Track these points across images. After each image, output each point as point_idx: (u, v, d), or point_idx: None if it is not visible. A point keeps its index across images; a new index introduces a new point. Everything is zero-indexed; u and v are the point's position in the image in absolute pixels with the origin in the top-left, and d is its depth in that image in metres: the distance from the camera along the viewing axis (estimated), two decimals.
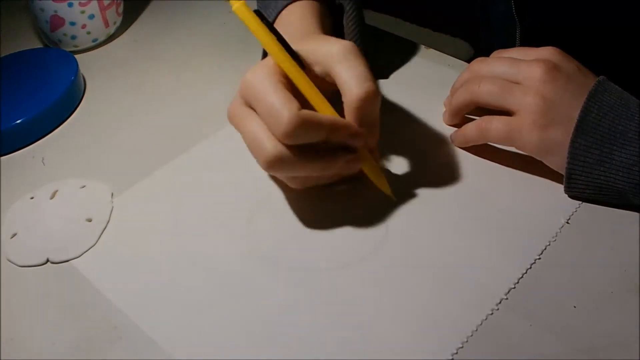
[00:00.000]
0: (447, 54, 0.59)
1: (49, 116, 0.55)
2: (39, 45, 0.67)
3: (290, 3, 0.50)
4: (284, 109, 0.37)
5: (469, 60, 0.58)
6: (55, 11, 0.61)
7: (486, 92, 0.44)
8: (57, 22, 0.62)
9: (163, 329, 0.39)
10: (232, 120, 0.42)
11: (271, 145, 0.38)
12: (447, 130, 0.50)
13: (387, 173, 0.47)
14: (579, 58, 0.45)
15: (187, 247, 0.43)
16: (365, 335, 0.37)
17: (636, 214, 0.42)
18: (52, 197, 0.48)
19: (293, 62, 0.40)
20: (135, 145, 0.53)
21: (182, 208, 0.46)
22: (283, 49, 0.40)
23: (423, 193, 0.45)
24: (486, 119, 0.45)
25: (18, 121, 0.53)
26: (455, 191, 0.45)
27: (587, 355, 0.35)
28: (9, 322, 0.40)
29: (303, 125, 0.37)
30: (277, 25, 0.48)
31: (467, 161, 0.47)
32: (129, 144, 0.53)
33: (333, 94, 0.41)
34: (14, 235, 0.45)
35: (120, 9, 0.67)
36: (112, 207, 0.47)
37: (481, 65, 0.47)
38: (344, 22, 0.52)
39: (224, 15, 0.69)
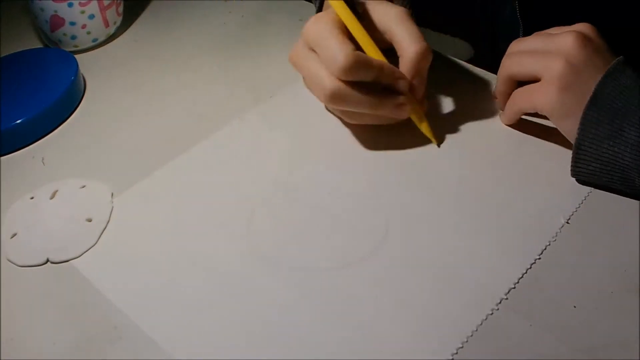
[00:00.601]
0: (447, 54, 0.58)
1: (49, 116, 0.55)
2: (39, 45, 0.67)
3: None
4: (341, 49, 0.43)
5: (469, 61, 0.58)
6: (55, 11, 0.61)
7: (516, 64, 0.46)
8: (57, 22, 0.62)
9: (163, 329, 0.39)
10: (294, 60, 0.48)
11: (330, 81, 0.44)
12: (448, 130, 0.50)
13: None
14: None
15: (187, 247, 0.43)
16: (365, 335, 0.37)
17: (636, 214, 0.42)
18: (52, 197, 0.48)
19: (353, 16, 0.45)
20: (135, 145, 0.53)
21: (182, 208, 0.46)
22: (345, 4, 0.46)
23: (420, 193, 0.45)
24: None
25: (18, 121, 0.53)
26: (455, 191, 0.45)
27: (587, 355, 0.35)
28: (9, 322, 0.40)
29: (357, 63, 0.43)
30: None
31: (467, 161, 0.47)
32: (129, 144, 0.53)
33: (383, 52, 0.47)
34: (14, 235, 0.45)
35: (120, 9, 0.67)
36: (112, 207, 0.47)
37: (519, 44, 0.48)
38: None
39: (224, 15, 0.69)
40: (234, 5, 0.71)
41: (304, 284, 0.40)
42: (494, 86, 0.51)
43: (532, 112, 0.46)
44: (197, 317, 0.39)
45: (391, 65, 0.46)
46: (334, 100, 0.45)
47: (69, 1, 0.61)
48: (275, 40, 0.64)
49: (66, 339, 0.39)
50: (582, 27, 0.46)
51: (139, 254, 0.43)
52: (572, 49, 0.43)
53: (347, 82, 0.44)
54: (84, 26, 0.63)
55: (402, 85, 0.46)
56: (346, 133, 0.51)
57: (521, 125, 0.50)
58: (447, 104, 0.53)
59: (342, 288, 0.40)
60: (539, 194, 0.44)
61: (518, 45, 0.48)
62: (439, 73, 0.56)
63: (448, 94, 0.54)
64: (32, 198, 0.48)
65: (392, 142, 0.50)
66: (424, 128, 0.48)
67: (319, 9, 0.55)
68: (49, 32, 0.63)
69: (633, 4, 0.49)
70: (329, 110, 0.52)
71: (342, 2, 0.46)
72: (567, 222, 0.42)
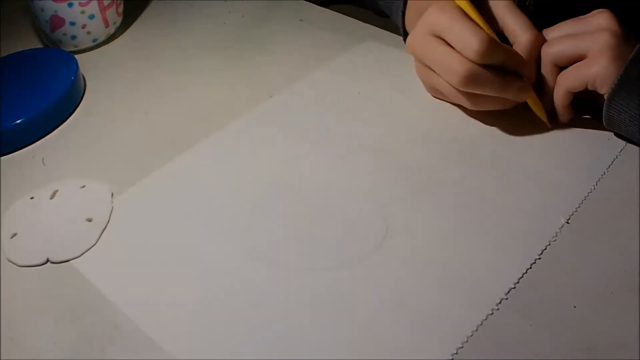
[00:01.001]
0: None
1: (49, 116, 0.55)
2: (39, 45, 0.67)
3: None
4: (476, 33, 0.45)
5: None
6: (55, 11, 0.61)
7: (559, 48, 0.47)
8: (57, 22, 0.62)
9: (163, 329, 0.39)
10: (415, 48, 0.50)
11: (465, 63, 0.45)
12: (447, 131, 0.50)
13: None
14: None
15: (187, 247, 0.43)
16: (365, 335, 0.37)
17: (636, 214, 0.42)
18: (52, 197, 0.48)
19: (472, 6, 0.48)
20: (135, 145, 0.53)
21: (182, 208, 0.46)
22: None
23: (420, 193, 0.45)
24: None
25: (18, 121, 0.53)
26: (455, 191, 0.45)
27: (587, 355, 0.35)
28: (9, 322, 0.40)
29: (491, 46, 0.45)
30: None
31: (467, 161, 0.47)
32: (129, 144, 0.53)
33: None
34: (14, 235, 0.45)
35: (121, 9, 0.67)
36: (112, 207, 0.47)
37: (551, 32, 0.49)
38: None
39: (224, 15, 0.69)
40: (234, 5, 0.71)
41: (304, 284, 0.40)
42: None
43: (581, 89, 0.46)
44: (197, 317, 0.39)
45: (516, 51, 0.48)
46: (468, 82, 0.46)
47: (69, 1, 0.61)
48: (275, 40, 0.64)
49: (66, 339, 0.39)
50: (604, 10, 0.47)
51: (139, 254, 0.43)
52: (612, 24, 0.45)
53: (479, 65, 0.45)
54: (84, 26, 0.63)
55: (527, 70, 0.48)
56: (347, 132, 0.51)
57: (522, 125, 0.50)
58: (447, 105, 0.53)
59: (342, 288, 0.40)
60: (539, 194, 0.44)
61: (551, 33, 0.49)
62: None
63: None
64: (32, 198, 0.48)
65: (393, 142, 0.50)
66: (538, 109, 0.49)
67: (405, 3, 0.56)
68: (49, 32, 0.63)
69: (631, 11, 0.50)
70: (437, 98, 0.54)
71: None
72: (567, 222, 0.42)
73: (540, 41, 0.49)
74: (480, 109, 0.50)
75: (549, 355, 0.35)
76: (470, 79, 0.46)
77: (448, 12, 0.47)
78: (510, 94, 0.48)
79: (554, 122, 0.50)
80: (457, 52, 0.46)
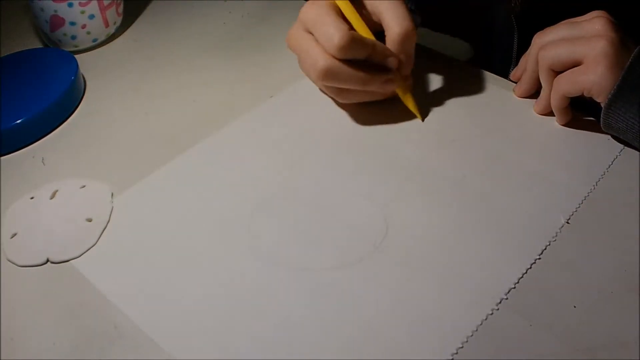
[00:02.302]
0: (447, 54, 0.58)
1: (49, 116, 0.55)
2: (39, 45, 0.67)
3: None
4: (337, 28, 0.46)
5: (469, 60, 0.58)
6: (55, 11, 0.61)
7: (555, 52, 0.47)
8: (57, 22, 0.62)
9: (163, 328, 0.39)
10: (290, 41, 0.51)
11: (324, 59, 0.47)
12: (447, 130, 0.50)
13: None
14: None
15: (187, 247, 0.43)
16: (365, 335, 0.37)
17: (636, 214, 0.42)
18: (52, 197, 0.48)
19: (348, 3, 0.49)
20: (135, 145, 0.53)
21: (182, 208, 0.46)
22: None
23: (420, 193, 0.45)
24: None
25: (18, 121, 0.53)
26: (455, 191, 0.45)
27: (587, 355, 0.35)
28: (9, 322, 0.40)
29: (351, 41, 0.46)
30: None
31: (467, 161, 0.47)
32: (129, 144, 0.53)
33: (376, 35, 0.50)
34: (14, 235, 0.45)
35: (121, 9, 0.67)
36: (112, 207, 0.47)
37: (546, 35, 0.49)
38: None
39: (224, 15, 0.69)
40: (234, 5, 0.71)
41: (304, 284, 0.40)
42: (495, 86, 0.51)
43: (577, 95, 0.46)
44: (197, 317, 0.39)
45: (382, 44, 0.48)
46: (326, 76, 0.47)
47: (69, 1, 0.61)
48: (275, 40, 0.64)
49: (66, 338, 0.39)
50: (602, 13, 0.47)
51: (139, 254, 0.43)
52: (609, 30, 0.45)
53: (339, 60, 0.46)
54: (84, 26, 0.63)
55: (391, 62, 0.48)
56: (347, 132, 0.51)
57: (521, 126, 0.50)
58: (447, 104, 0.53)
59: (342, 288, 0.40)
60: (539, 194, 0.44)
61: (546, 37, 0.49)
62: (440, 73, 0.56)
63: (448, 94, 0.54)
64: (32, 198, 0.48)
65: (392, 142, 0.50)
66: (409, 102, 0.51)
67: None
68: (49, 32, 0.63)
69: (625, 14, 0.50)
70: (323, 92, 0.54)
71: None
72: (567, 222, 0.42)
73: (412, 33, 0.48)
74: (348, 102, 0.52)
75: (549, 355, 0.35)
76: (328, 73, 0.47)
77: (317, 8, 0.48)
78: (374, 87, 0.49)
79: (423, 117, 0.51)
80: (320, 46, 0.47)
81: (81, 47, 0.65)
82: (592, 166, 0.46)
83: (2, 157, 0.53)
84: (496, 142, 0.49)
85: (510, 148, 0.48)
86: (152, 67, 0.62)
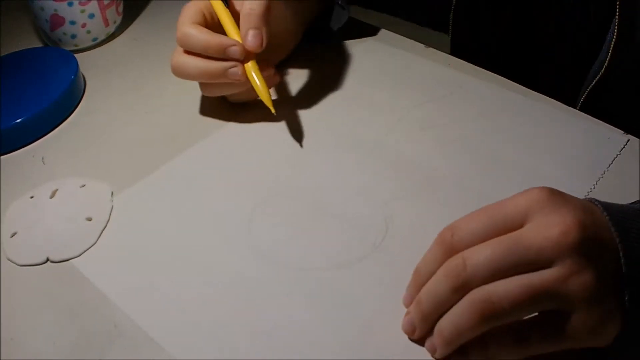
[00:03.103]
0: (447, 53, 0.58)
1: (48, 115, 0.55)
2: (39, 45, 0.67)
3: None
4: (181, 24, 0.49)
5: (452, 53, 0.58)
6: (55, 10, 0.61)
7: (505, 301, 0.31)
8: (57, 21, 0.62)
9: (163, 328, 0.38)
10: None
11: (175, 55, 0.50)
12: (447, 130, 0.50)
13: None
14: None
15: (187, 246, 0.43)
16: (365, 335, 0.37)
17: None
18: (52, 196, 0.48)
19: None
20: (135, 145, 0.53)
21: (182, 207, 0.46)
22: None
23: (420, 192, 0.45)
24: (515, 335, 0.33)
25: (18, 120, 0.53)
26: (455, 190, 0.45)
27: (587, 355, 0.35)
28: (8, 321, 0.40)
29: (185, 35, 0.48)
30: None
31: (467, 161, 0.47)
32: (129, 143, 0.53)
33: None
34: (14, 234, 0.45)
35: (120, 8, 0.67)
36: (112, 206, 0.47)
37: (454, 242, 0.35)
38: None
39: None
40: None
41: (304, 284, 0.40)
42: (495, 85, 0.50)
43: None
44: (197, 317, 0.39)
45: (221, 37, 0.48)
46: (175, 71, 0.50)
47: (69, 0, 0.61)
48: None
49: (66, 338, 0.39)
50: (538, 194, 0.33)
51: (138, 253, 0.43)
52: (572, 251, 0.31)
53: (188, 54, 0.49)
54: (84, 25, 0.63)
55: (232, 51, 0.48)
56: (349, 131, 0.51)
57: (521, 125, 0.50)
58: (447, 104, 0.53)
59: (342, 288, 0.40)
60: None
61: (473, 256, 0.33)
62: (440, 72, 0.56)
63: (448, 94, 0.54)
64: (32, 197, 0.48)
65: (393, 141, 0.50)
66: (261, 93, 0.49)
67: None
68: (49, 31, 0.63)
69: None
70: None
71: None
72: None
73: (264, 7, 0.48)
74: (212, 95, 0.53)
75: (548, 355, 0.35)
76: (175, 69, 0.50)
77: (187, 7, 0.50)
78: (220, 76, 0.49)
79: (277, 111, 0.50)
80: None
81: (81, 46, 0.65)
82: (592, 165, 0.46)
83: (2, 156, 0.53)
84: (496, 142, 0.49)
85: (510, 147, 0.48)
86: (152, 66, 0.62)
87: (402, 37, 0.61)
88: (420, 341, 0.36)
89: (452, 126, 0.51)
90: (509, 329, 0.33)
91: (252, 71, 0.49)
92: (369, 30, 0.62)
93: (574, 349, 0.33)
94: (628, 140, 0.48)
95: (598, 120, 0.50)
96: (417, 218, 0.43)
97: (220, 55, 0.48)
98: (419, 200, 0.45)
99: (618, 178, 0.45)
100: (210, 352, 0.37)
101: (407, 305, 0.37)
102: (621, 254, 0.32)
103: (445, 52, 0.59)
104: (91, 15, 0.63)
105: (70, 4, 0.61)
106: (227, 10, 0.51)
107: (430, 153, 0.48)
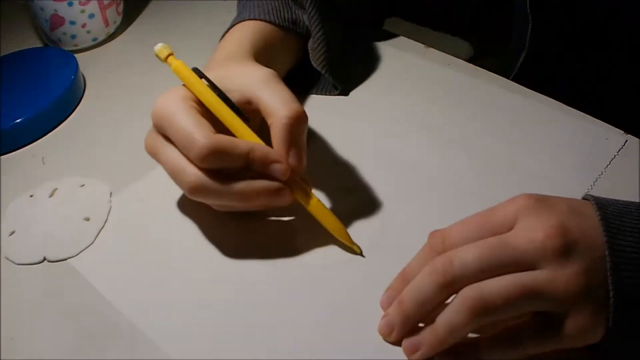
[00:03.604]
0: (447, 53, 0.58)
1: (48, 115, 0.55)
2: (39, 45, 0.67)
3: (239, 22, 0.50)
4: (196, 133, 0.36)
5: (469, 60, 0.58)
6: (55, 10, 0.61)
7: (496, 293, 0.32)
8: (57, 21, 0.62)
9: (161, 328, 0.38)
10: (149, 151, 0.41)
11: (192, 172, 0.37)
12: (445, 130, 0.50)
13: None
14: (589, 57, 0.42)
15: (185, 246, 0.43)
16: (365, 334, 0.37)
17: None
18: (51, 195, 0.48)
19: (205, 86, 0.40)
20: (135, 145, 0.52)
21: (179, 207, 0.46)
22: (198, 78, 0.40)
23: (419, 194, 0.45)
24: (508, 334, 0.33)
25: (18, 120, 0.53)
26: (453, 191, 0.45)
27: (587, 354, 0.35)
28: (8, 321, 0.40)
29: (218, 149, 0.36)
30: (222, 42, 0.49)
31: (467, 161, 0.47)
32: (128, 144, 0.53)
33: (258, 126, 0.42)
34: (12, 233, 0.45)
35: (121, 8, 0.67)
36: (110, 206, 0.47)
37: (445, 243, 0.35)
38: (310, 50, 0.51)
39: (224, 15, 0.69)
40: (233, 5, 0.70)
41: (303, 284, 0.40)
42: (495, 85, 0.50)
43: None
44: (196, 317, 0.39)
45: (263, 147, 0.39)
46: (196, 193, 0.38)
47: (68, 0, 0.61)
48: None
49: (65, 338, 0.39)
50: (524, 201, 0.34)
51: (136, 253, 0.43)
52: (556, 254, 0.32)
53: (211, 172, 0.37)
54: (84, 25, 0.63)
55: (277, 170, 0.38)
56: (348, 131, 0.51)
57: (521, 125, 0.50)
58: (447, 104, 0.53)
59: (340, 287, 0.40)
60: (537, 192, 0.44)
61: (462, 257, 0.33)
62: (440, 72, 0.56)
63: (448, 94, 0.54)
64: (31, 196, 0.48)
65: (392, 141, 0.50)
66: (320, 213, 0.40)
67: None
68: (49, 31, 0.63)
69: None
70: None
71: (186, 68, 0.40)
72: None
73: (303, 117, 0.39)
74: (232, 211, 0.42)
75: (548, 354, 0.35)
76: (199, 190, 0.37)
77: (170, 101, 0.38)
78: (262, 202, 0.39)
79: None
80: (184, 157, 0.38)
81: (81, 46, 0.65)
82: (590, 164, 0.46)
83: (2, 156, 0.53)
84: (495, 142, 0.49)
85: (509, 147, 0.48)
86: (152, 66, 0.62)
87: (402, 37, 0.61)
88: (396, 344, 0.35)
89: (451, 126, 0.51)
90: (502, 332, 0.33)
91: (319, 207, 0.40)
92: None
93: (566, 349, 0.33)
94: (626, 141, 0.48)
95: (597, 120, 0.50)
96: (414, 218, 0.43)
97: (262, 172, 0.38)
98: (417, 200, 0.45)
99: (617, 178, 0.45)
100: (209, 353, 0.37)
101: (385, 308, 0.37)
102: (607, 252, 0.32)
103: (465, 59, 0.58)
104: (91, 15, 0.63)
105: (70, 4, 0.61)
106: (220, 100, 0.40)
107: (429, 153, 0.48)
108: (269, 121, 0.39)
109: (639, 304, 0.32)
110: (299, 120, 0.39)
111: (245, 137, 0.39)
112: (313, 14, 0.49)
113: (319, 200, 0.40)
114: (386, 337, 0.36)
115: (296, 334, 0.37)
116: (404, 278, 0.36)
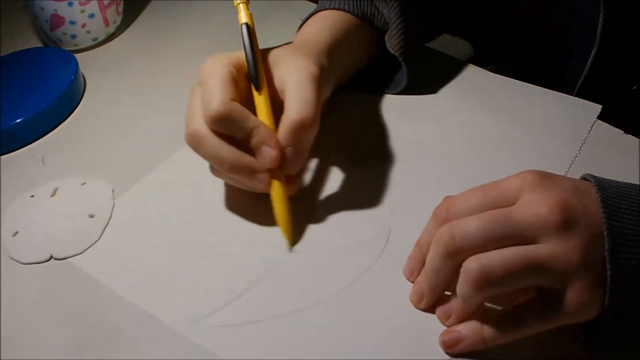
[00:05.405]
0: (447, 53, 0.59)
1: (49, 115, 0.55)
2: (39, 45, 0.67)
3: (320, 11, 0.52)
4: (216, 97, 0.39)
5: (469, 60, 0.58)
6: (55, 10, 0.61)
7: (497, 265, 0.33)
8: (57, 21, 0.62)
9: (165, 326, 0.38)
10: (189, 95, 0.44)
11: (196, 123, 0.40)
12: (445, 131, 0.50)
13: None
14: None
15: (190, 242, 0.43)
16: (365, 334, 0.37)
17: (620, 175, 0.42)
18: (52, 195, 0.48)
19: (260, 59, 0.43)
20: (135, 144, 0.53)
21: (183, 204, 0.46)
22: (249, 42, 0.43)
23: (422, 196, 0.45)
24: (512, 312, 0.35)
25: (18, 120, 0.53)
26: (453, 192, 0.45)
27: (588, 354, 0.35)
28: (9, 320, 0.40)
29: (228, 117, 0.39)
30: (303, 28, 0.52)
31: (465, 165, 0.48)
32: (128, 143, 0.53)
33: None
34: (16, 233, 0.45)
35: (120, 8, 0.67)
36: (114, 203, 0.47)
37: (459, 225, 0.35)
38: (387, 38, 0.52)
39: (223, 15, 0.69)
40: (233, 5, 0.71)
41: (305, 283, 0.40)
42: (495, 85, 0.50)
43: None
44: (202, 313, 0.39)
45: (268, 130, 0.41)
46: (191, 141, 0.41)
47: (68, 0, 0.61)
48: (275, 40, 0.63)
49: (67, 338, 0.39)
50: (530, 176, 0.35)
51: (141, 251, 0.43)
52: (558, 229, 0.33)
53: (213, 131, 0.40)
54: (83, 25, 0.63)
55: (267, 153, 0.40)
56: (347, 131, 0.51)
57: (521, 126, 0.50)
58: (447, 105, 0.53)
59: (341, 287, 0.40)
60: (522, 163, 0.44)
61: (465, 226, 0.34)
62: (439, 72, 0.56)
63: (448, 94, 0.54)
64: (32, 196, 0.48)
65: (392, 143, 0.50)
66: (279, 213, 0.42)
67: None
68: (49, 31, 0.63)
69: None
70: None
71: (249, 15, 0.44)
72: None
73: (312, 125, 0.40)
74: (218, 178, 0.44)
75: (549, 354, 0.35)
76: (193, 139, 0.40)
77: (216, 61, 0.42)
78: (241, 176, 0.41)
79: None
80: (199, 108, 0.41)
81: (81, 46, 0.65)
82: (573, 133, 0.47)
83: (2, 156, 0.53)
84: (497, 144, 0.49)
85: (512, 149, 0.48)
86: (152, 66, 0.62)
87: None
88: (427, 311, 0.38)
89: (450, 127, 0.51)
90: (503, 313, 0.35)
91: (280, 197, 0.41)
92: None
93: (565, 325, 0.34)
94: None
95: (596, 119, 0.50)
96: (417, 225, 0.43)
97: (255, 149, 0.40)
98: (419, 204, 0.45)
99: (617, 178, 0.45)
100: (214, 352, 0.37)
101: (407, 276, 0.39)
102: (605, 234, 0.33)
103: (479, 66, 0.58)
104: (91, 15, 0.63)
105: (70, 4, 0.61)
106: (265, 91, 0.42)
107: (432, 155, 0.48)
108: (282, 117, 0.41)
109: (635, 285, 0.33)
110: (304, 126, 0.40)
111: (260, 113, 0.42)
112: (394, 3, 0.51)
113: (284, 189, 0.42)
114: (417, 304, 0.38)
115: (305, 336, 0.37)
116: (419, 246, 0.39)
